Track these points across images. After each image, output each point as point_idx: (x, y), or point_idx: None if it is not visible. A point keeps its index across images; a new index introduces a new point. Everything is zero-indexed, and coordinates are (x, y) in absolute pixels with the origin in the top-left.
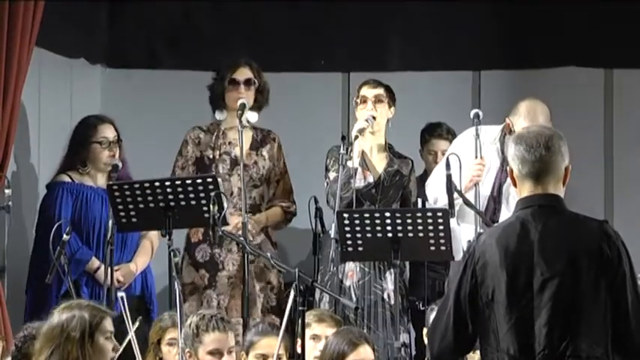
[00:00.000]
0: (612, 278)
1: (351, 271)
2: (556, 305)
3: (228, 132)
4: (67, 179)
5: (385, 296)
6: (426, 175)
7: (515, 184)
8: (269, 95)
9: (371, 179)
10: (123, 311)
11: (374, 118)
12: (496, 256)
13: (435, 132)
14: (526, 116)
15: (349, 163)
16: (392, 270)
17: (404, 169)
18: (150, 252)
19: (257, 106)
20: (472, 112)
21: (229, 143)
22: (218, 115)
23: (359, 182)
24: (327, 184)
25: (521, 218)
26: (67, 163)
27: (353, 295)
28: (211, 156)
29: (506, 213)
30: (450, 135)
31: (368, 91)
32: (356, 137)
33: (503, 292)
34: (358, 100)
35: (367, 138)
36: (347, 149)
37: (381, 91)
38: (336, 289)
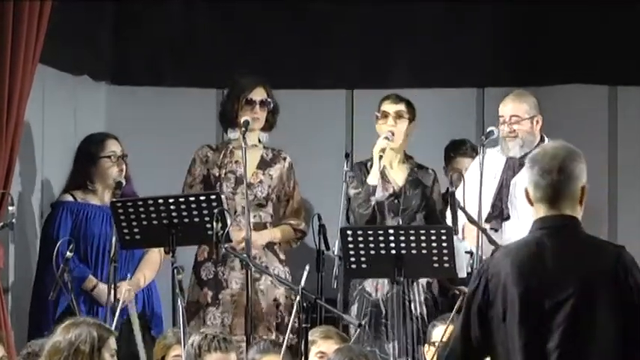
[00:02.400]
0: (627, 305)
1: (380, 284)
2: (568, 329)
3: (237, 150)
4: (69, 199)
5: (412, 308)
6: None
7: (531, 204)
8: (278, 115)
9: (391, 190)
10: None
11: (392, 133)
12: (509, 277)
13: (459, 150)
14: (512, 99)
15: (369, 180)
16: (419, 281)
17: (426, 180)
18: (157, 266)
19: (268, 126)
20: (487, 130)
21: (236, 162)
22: (230, 134)
23: (380, 196)
24: (349, 200)
25: (536, 239)
26: (72, 182)
27: (382, 308)
28: (217, 174)
29: (514, 211)
30: (475, 152)
31: (389, 107)
32: (380, 157)
33: (516, 313)
34: (379, 115)
35: (388, 153)
36: (365, 163)
37: (402, 107)
38: (366, 302)
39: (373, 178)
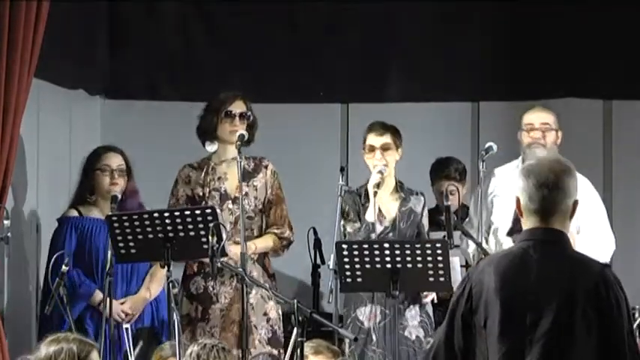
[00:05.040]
0: (609, 325)
1: (372, 313)
2: (548, 343)
3: (218, 167)
4: (74, 214)
5: (407, 333)
6: (437, 210)
7: (521, 214)
8: (256, 129)
9: (387, 224)
10: (127, 345)
11: (386, 166)
12: (492, 285)
13: (442, 173)
14: (540, 109)
15: (367, 217)
16: (412, 307)
17: (417, 207)
18: (163, 280)
19: (246, 141)
20: (486, 145)
21: (218, 179)
22: (208, 147)
23: (376, 230)
24: (345, 234)
25: (522, 250)
26: (76, 196)
27: (374, 337)
28: (201, 193)
29: None
30: (458, 174)
31: (375, 140)
32: (375, 193)
33: (496, 321)
34: (365, 149)
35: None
36: (359, 194)
37: (387, 139)
38: (357, 331)
39: (371, 215)
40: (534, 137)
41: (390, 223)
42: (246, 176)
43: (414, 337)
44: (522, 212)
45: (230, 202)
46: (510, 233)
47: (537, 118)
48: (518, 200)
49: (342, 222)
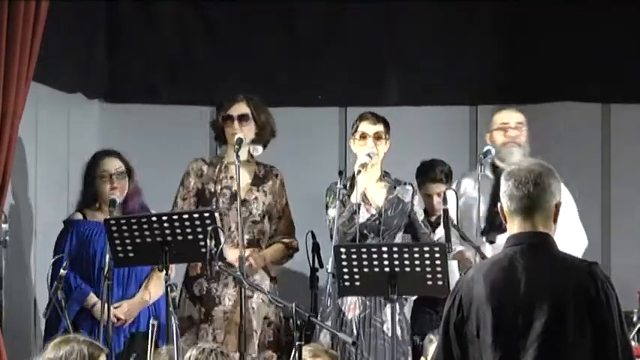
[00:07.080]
0: (599, 321)
1: (353, 304)
2: (542, 346)
3: (230, 166)
4: (79, 217)
5: (385, 329)
6: (426, 213)
7: (505, 220)
8: (273, 129)
9: (373, 211)
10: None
11: (376, 154)
12: (482, 293)
13: (427, 176)
14: (513, 110)
15: (352, 199)
16: (388, 304)
17: (405, 196)
18: (163, 282)
19: (259, 140)
20: (485, 149)
21: (230, 177)
22: (220, 150)
23: (362, 217)
24: (329, 221)
25: (509, 255)
26: (81, 201)
27: (354, 329)
28: (212, 189)
29: None
30: (444, 175)
31: (368, 128)
32: (359, 172)
33: (489, 329)
34: (357, 136)
35: (365, 173)
36: (345, 185)
37: (380, 127)
38: (336, 322)
39: (356, 197)
40: (511, 136)
41: (376, 211)
42: (257, 181)
43: (390, 333)
44: (506, 216)
45: (238, 203)
46: (486, 232)
47: (512, 117)
48: (501, 207)
49: (326, 210)
